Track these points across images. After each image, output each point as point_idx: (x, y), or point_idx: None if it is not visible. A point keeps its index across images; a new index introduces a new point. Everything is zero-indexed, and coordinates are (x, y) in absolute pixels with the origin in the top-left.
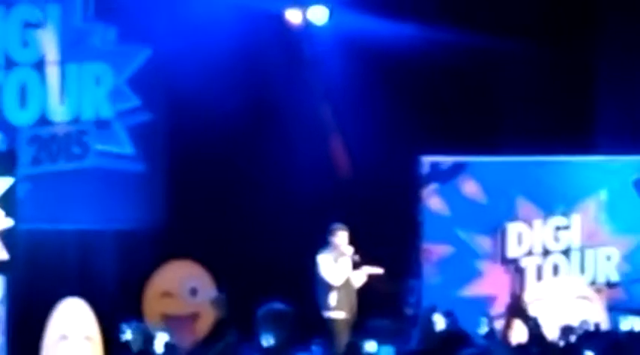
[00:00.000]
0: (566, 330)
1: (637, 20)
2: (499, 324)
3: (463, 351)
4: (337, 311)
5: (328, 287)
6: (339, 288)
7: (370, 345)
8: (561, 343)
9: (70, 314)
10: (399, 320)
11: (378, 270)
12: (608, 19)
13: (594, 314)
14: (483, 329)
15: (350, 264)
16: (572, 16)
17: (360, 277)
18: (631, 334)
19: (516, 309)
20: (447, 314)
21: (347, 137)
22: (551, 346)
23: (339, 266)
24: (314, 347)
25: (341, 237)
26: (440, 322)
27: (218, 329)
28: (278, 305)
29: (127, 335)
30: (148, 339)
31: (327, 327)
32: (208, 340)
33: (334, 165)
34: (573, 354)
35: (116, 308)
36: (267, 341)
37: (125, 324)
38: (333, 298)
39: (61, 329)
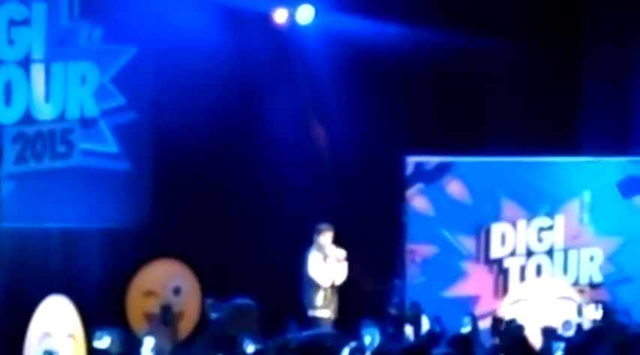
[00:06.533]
0: (548, 331)
1: (622, 22)
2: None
3: (435, 350)
4: (323, 310)
5: (315, 287)
6: (325, 288)
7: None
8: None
9: (54, 312)
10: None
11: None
12: (593, 20)
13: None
14: (466, 329)
15: (334, 264)
16: (557, 17)
17: (341, 275)
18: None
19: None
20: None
21: (332, 137)
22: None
23: (328, 266)
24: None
25: (326, 237)
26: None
27: (202, 328)
28: (243, 300)
29: (103, 341)
30: (126, 345)
31: (311, 326)
32: (192, 339)
33: (319, 164)
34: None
35: (100, 307)
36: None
37: (100, 331)
38: (320, 297)
39: (44, 326)
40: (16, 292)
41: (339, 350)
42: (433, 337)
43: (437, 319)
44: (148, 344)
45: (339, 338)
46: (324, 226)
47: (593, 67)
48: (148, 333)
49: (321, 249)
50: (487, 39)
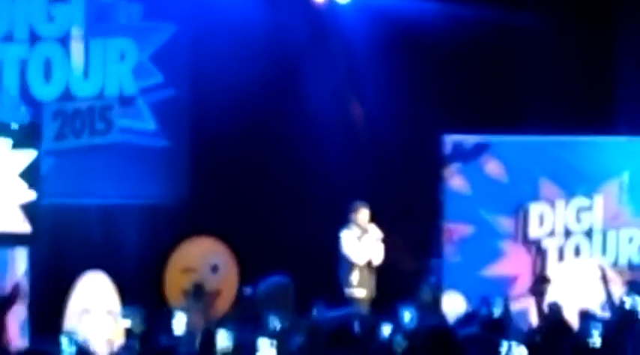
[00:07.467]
0: (585, 312)
1: None
2: (517, 305)
3: (465, 329)
4: (359, 288)
5: (350, 265)
6: (361, 266)
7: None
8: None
9: (92, 288)
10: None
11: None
12: None
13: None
14: (497, 310)
15: (371, 242)
16: None
17: (379, 254)
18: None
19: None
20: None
21: (370, 115)
22: (570, 329)
23: (362, 244)
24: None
25: (363, 215)
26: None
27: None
28: (279, 278)
29: (125, 320)
30: (148, 323)
31: (343, 305)
32: (228, 317)
33: (357, 142)
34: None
35: (138, 283)
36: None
37: (124, 309)
38: (355, 276)
39: (83, 302)
40: (55, 268)
41: (370, 333)
42: (473, 317)
43: (484, 299)
44: (180, 319)
45: (370, 319)
46: (358, 204)
47: (632, 44)
48: (181, 309)
49: (356, 227)
50: (525, 16)
